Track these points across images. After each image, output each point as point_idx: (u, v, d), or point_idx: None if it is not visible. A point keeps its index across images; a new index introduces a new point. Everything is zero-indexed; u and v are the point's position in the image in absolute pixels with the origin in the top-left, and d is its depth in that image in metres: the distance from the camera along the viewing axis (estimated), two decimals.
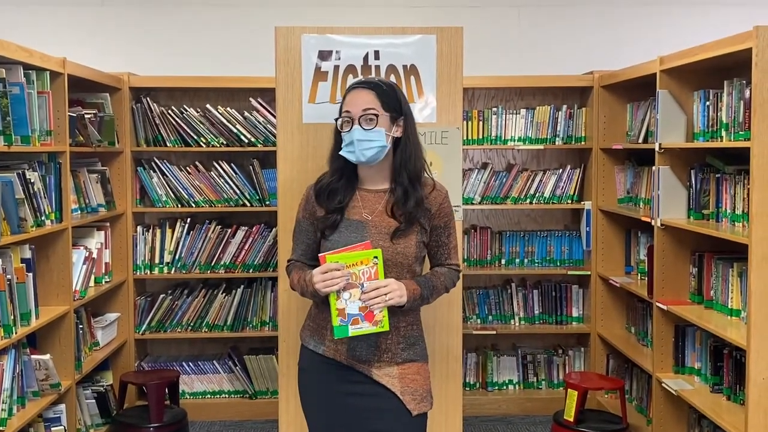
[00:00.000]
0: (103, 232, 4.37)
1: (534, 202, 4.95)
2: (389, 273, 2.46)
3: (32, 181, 3.39)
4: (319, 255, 2.46)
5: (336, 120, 2.56)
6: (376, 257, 2.41)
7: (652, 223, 3.96)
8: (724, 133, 3.44)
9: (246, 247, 4.80)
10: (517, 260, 5.04)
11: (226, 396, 4.92)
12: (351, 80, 3.17)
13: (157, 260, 4.81)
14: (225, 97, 4.92)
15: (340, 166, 2.56)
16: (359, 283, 2.41)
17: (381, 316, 2.42)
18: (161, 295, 4.84)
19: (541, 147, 4.91)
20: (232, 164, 4.81)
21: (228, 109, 4.77)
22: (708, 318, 3.51)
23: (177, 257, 4.80)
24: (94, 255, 4.19)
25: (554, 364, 5.08)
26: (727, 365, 3.50)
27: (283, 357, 3.29)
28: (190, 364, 4.90)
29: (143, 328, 4.79)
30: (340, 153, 2.53)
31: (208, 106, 4.77)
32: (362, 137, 2.47)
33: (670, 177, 3.85)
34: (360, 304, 2.42)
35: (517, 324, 5.04)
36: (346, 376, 2.53)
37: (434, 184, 2.61)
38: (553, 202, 4.95)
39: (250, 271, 4.81)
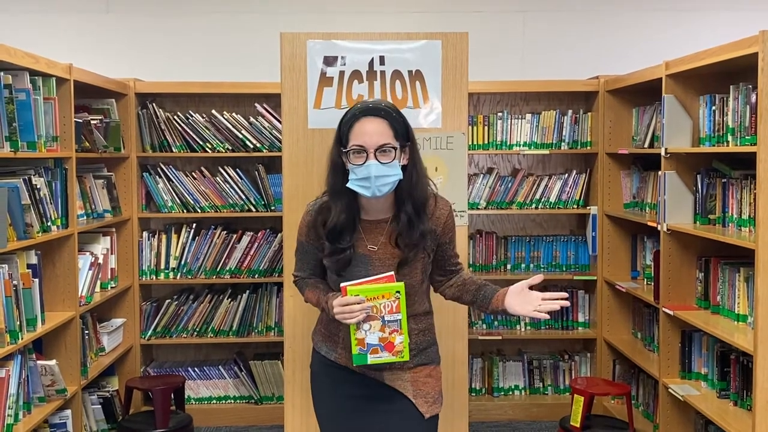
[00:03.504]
0: (108, 238, 4.37)
1: (539, 207, 4.94)
2: None
3: (38, 186, 3.40)
4: (340, 285, 2.40)
5: (345, 151, 2.39)
6: (398, 292, 2.38)
7: (659, 228, 3.95)
8: (730, 138, 3.44)
9: (251, 253, 4.80)
10: (523, 265, 5.03)
11: (232, 401, 4.92)
12: (356, 86, 3.18)
13: (162, 266, 4.81)
14: (230, 102, 4.93)
15: (348, 201, 2.42)
16: (380, 316, 2.39)
17: (401, 347, 2.41)
18: (167, 301, 4.84)
19: (546, 152, 4.91)
20: (237, 170, 4.81)
21: (233, 114, 4.78)
22: (714, 323, 3.50)
23: (182, 263, 4.81)
24: (100, 260, 4.19)
25: (560, 370, 5.07)
26: (734, 371, 3.49)
27: (288, 362, 3.29)
28: (196, 369, 4.90)
29: (149, 334, 4.80)
30: (349, 186, 2.39)
31: (213, 111, 4.78)
32: (380, 173, 2.34)
33: (676, 182, 3.84)
34: (380, 335, 2.40)
35: (522, 329, 5.03)
36: (358, 380, 2.53)
37: (436, 199, 2.52)
38: (558, 207, 4.94)
39: (256, 276, 4.81)
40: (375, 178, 2.34)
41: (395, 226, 2.45)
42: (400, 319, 2.40)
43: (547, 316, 2.43)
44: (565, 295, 2.45)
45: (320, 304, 2.53)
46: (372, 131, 2.36)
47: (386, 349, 2.41)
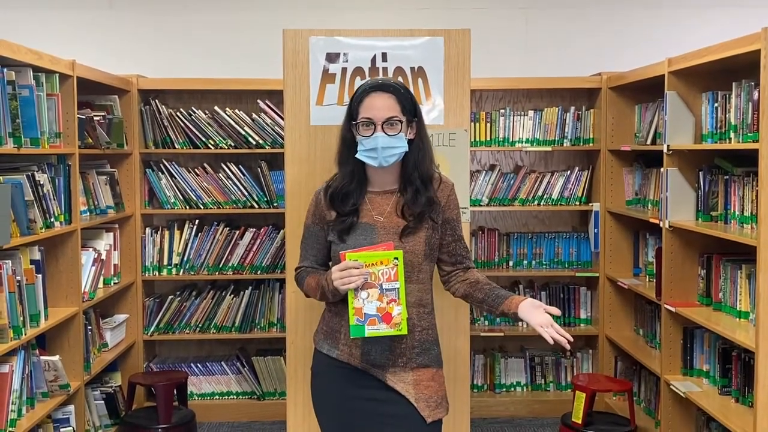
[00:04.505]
0: (111, 234, 4.38)
1: (542, 203, 4.94)
2: None
3: (41, 182, 3.41)
4: (339, 252, 2.45)
5: (353, 123, 2.50)
6: (396, 258, 2.39)
7: (661, 225, 3.95)
8: (732, 135, 3.44)
9: (254, 249, 4.81)
10: (525, 262, 5.04)
11: (234, 397, 4.93)
12: (359, 82, 3.18)
13: (165, 262, 4.82)
14: (233, 99, 4.94)
15: (354, 169, 2.54)
16: (378, 284, 2.39)
17: (399, 319, 2.39)
18: (169, 297, 4.85)
19: (549, 149, 4.91)
20: (240, 166, 4.82)
21: (236, 111, 4.79)
22: (716, 320, 3.51)
23: (185, 259, 4.82)
24: (103, 256, 4.20)
25: (562, 366, 5.07)
26: (736, 367, 3.49)
27: (290, 358, 3.30)
28: (199, 365, 4.91)
29: (152, 330, 4.81)
30: (358, 157, 2.49)
31: (216, 108, 4.79)
32: (387, 144, 2.45)
33: (679, 179, 3.84)
34: (378, 305, 2.39)
35: (524, 326, 5.02)
36: (360, 380, 2.52)
37: (440, 177, 2.61)
38: (561, 204, 4.95)
39: (258, 272, 4.82)
40: (382, 149, 2.45)
41: (401, 196, 2.53)
42: (398, 288, 2.40)
43: (551, 341, 2.39)
44: (571, 339, 2.42)
45: (320, 284, 2.53)
46: (380, 105, 2.48)
47: (384, 321, 2.39)
